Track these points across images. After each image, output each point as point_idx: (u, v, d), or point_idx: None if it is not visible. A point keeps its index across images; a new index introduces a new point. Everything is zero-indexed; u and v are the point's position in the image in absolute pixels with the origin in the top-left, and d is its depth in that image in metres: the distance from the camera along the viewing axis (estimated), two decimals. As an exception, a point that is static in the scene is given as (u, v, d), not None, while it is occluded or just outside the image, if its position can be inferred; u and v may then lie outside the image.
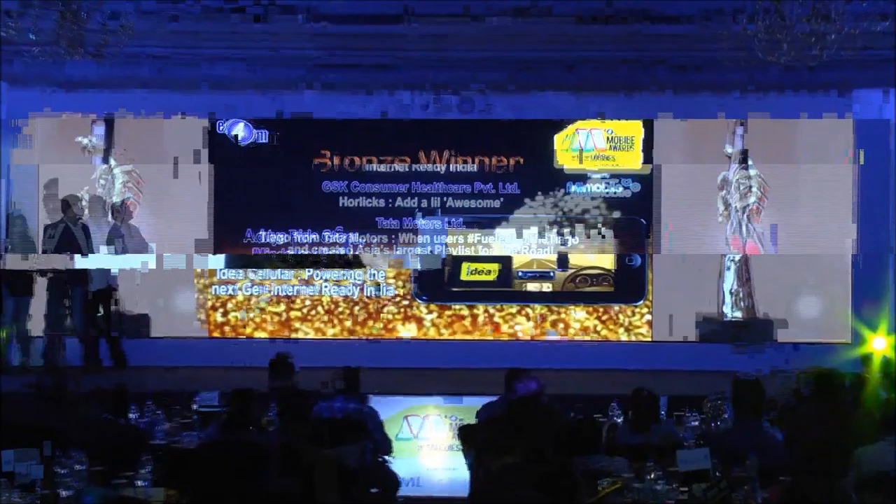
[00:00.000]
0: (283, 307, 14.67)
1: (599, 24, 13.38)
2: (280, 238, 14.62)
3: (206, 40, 13.61)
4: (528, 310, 14.62)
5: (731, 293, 14.59)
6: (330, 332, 14.66)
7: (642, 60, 13.76)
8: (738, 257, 14.58)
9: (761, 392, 8.01)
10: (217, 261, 14.63)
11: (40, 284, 13.64)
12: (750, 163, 14.61)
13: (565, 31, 13.40)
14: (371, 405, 10.07)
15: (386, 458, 9.66)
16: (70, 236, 13.40)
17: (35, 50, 11.32)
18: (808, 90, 13.98)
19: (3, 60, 12.79)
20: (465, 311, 14.65)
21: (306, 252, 14.62)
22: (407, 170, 14.65)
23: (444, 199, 14.64)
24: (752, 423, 7.85)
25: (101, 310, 13.73)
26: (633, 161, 14.59)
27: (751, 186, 14.61)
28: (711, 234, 14.60)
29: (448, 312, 14.67)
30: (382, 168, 14.66)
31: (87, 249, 13.45)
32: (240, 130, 14.66)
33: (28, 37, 11.22)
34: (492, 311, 14.65)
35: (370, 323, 14.66)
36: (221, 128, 14.65)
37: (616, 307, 14.58)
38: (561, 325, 14.61)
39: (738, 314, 14.57)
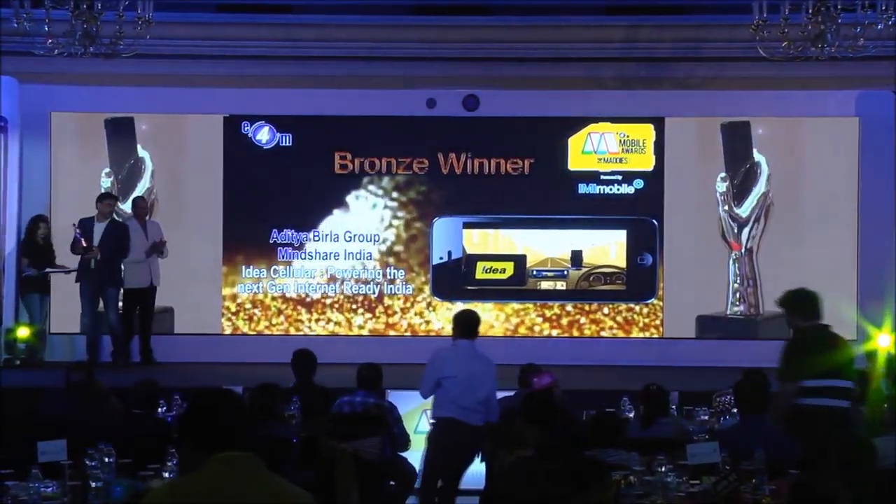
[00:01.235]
0: (304, 305, 14.67)
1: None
2: (300, 237, 14.64)
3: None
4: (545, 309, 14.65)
5: (737, 292, 14.57)
6: (350, 330, 14.66)
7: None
8: (743, 256, 14.56)
9: (767, 387, 7.99)
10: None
11: (65, 282, 13.71)
12: (757, 161, 14.60)
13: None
14: (390, 400, 10.10)
15: (403, 452, 9.68)
16: (110, 234, 13.36)
17: (49, 43, 11.29)
18: (816, 87, 13.99)
19: (19, 55, 12.70)
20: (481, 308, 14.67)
21: (326, 251, 14.65)
22: (424, 170, 14.66)
23: (460, 199, 14.64)
24: (758, 418, 7.84)
25: (139, 308, 13.74)
26: (644, 163, 14.58)
27: (756, 185, 14.60)
28: (718, 233, 14.59)
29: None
30: (400, 168, 14.67)
31: (127, 247, 13.43)
32: (264, 135, 14.64)
33: (42, 29, 11.21)
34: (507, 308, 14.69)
35: (389, 320, 14.67)
36: (246, 129, 14.65)
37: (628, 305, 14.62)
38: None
39: (745, 312, 14.56)
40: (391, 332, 14.64)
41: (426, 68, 14.17)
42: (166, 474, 7.19)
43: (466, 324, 9.62)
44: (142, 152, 14.74)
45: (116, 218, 13.69)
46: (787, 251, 14.49)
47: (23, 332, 13.69)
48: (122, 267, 13.53)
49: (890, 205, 14.13)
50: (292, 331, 14.59)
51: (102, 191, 14.17)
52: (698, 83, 14.16)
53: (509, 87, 14.37)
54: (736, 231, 14.62)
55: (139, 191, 14.62)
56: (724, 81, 14.06)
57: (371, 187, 14.69)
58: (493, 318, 14.63)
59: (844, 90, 14.12)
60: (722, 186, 14.59)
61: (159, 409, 8.90)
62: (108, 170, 14.68)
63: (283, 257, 14.67)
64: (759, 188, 14.61)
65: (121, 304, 13.65)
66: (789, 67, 11.87)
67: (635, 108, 14.50)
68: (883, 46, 11.47)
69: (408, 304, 14.68)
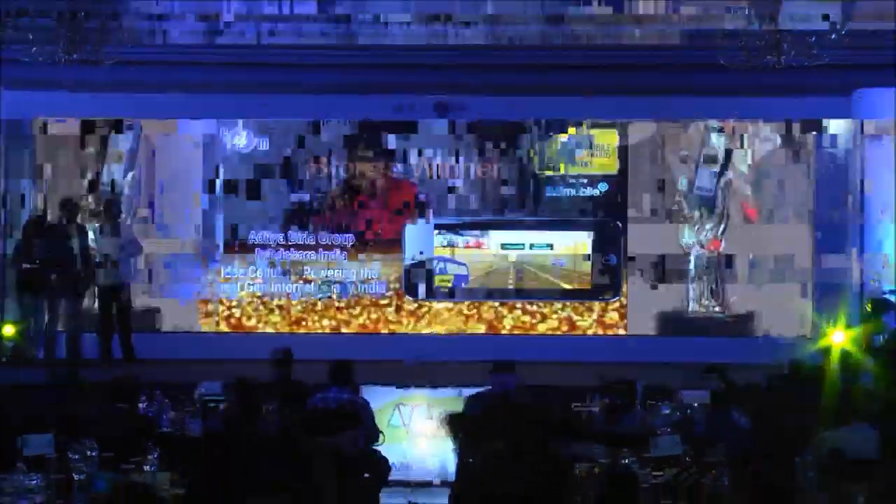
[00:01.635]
0: (283, 304, 14.68)
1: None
2: (277, 238, 14.64)
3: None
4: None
5: (698, 291, 14.63)
6: (325, 328, 14.64)
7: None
8: (705, 256, 14.60)
9: (728, 384, 8.04)
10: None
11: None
12: (719, 162, 14.64)
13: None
14: (363, 396, 10.09)
15: (376, 445, 9.68)
16: (67, 236, 13.28)
17: (33, 50, 11.23)
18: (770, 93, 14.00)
19: (3, 62, 12.63)
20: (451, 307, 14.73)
21: (303, 251, 14.65)
22: (396, 174, 14.67)
23: (432, 201, 14.65)
24: (720, 413, 7.88)
25: (113, 307, 13.62)
26: (609, 166, 14.62)
27: (718, 186, 14.65)
28: (682, 232, 14.64)
29: (437, 308, 14.73)
30: (373, 171, 14.67)
31: (83, 249, 13.33)
32: (241, 139, 14.63)
33: (27, 37, 11.15)
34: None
35: (362, 318, 14.68)
36: (224, 135, 14.64)
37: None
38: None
39: (706, 310, 14.61)
40: (364, 331, 14.62)
41: (398, 75, 14.09)
42: (147, 467, 7.22)
43: None
44: (121, 156, 14.68)
45: (54, 222, 13.60)
46: (745, 251, 14.53)
47: (8, 331, 13.60)
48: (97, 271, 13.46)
49: (845, 204, 14.20)
50: (269, 329, 14.57)
51: (83, 195, 14.16)
52: (661, 89, 14.12)
53: (478, 94, 14.30)
54: (702, 230, 14.62)
55: (126, 190, 14.62)
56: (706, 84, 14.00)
57: (346, 189, 14.68)
58: (467, 317, 14.69)
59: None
60: (688, 187, 14.64)
61: (140, 405, 8.88)
62: (90, 175, 14.66)
63: (261, 257, 14.65)
64: (724, 187, 14.63)
65: (97, 302, 13.67)
66: (747, 76, 11.89)
67: (601, 113, 14.49)
68: (836, 55, 11.49)
69: (380, 303, 14.68)
